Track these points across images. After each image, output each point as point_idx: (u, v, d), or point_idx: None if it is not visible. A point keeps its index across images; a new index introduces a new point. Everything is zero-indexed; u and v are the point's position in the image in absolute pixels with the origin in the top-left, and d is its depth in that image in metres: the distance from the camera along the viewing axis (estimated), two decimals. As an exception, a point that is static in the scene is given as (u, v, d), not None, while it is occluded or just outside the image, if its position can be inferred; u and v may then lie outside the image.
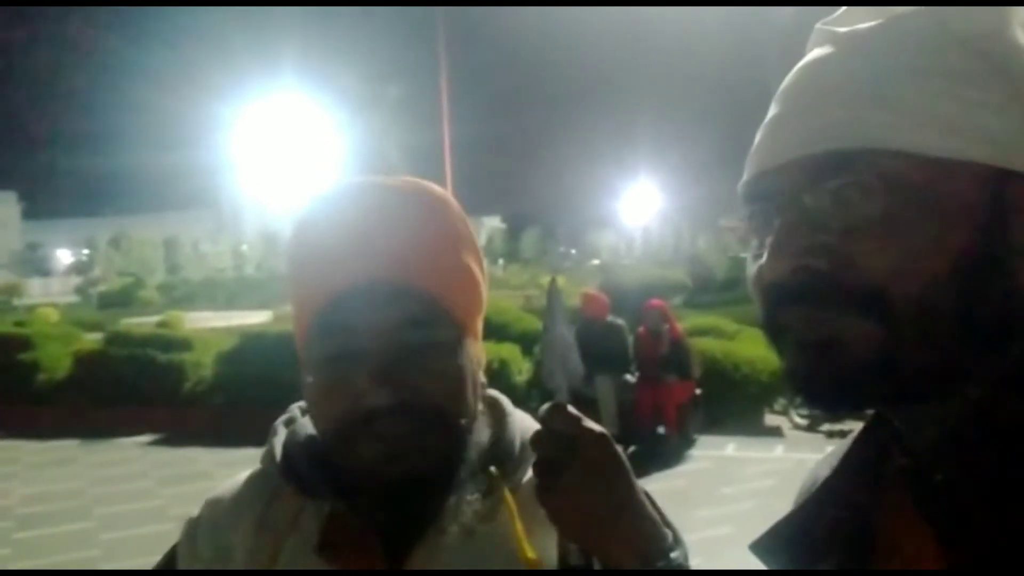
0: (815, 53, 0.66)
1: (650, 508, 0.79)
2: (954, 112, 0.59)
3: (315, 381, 0.83)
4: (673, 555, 0.76)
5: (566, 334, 1.21)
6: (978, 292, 0.58)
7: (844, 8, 0.68)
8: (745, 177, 0.67)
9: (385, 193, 0.85)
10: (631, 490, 0.78)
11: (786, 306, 0.61)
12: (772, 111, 0.67)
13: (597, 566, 0.79)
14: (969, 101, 0.59)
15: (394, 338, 0.81)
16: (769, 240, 0.62)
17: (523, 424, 0.91)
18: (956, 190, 0.58)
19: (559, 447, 0.77)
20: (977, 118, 0.59)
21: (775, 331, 0.64)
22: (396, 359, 0.80)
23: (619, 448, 0.80)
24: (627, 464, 0.79)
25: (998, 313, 0.59)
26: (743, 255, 0.69)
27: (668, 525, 0.81)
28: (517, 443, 0.89)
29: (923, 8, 0.62)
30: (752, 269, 0.65)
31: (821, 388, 0.62)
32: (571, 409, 0.80)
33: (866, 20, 0.64)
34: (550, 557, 0.83)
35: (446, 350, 0.84)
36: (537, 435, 0.80)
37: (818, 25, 0.68)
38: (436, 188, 0.88)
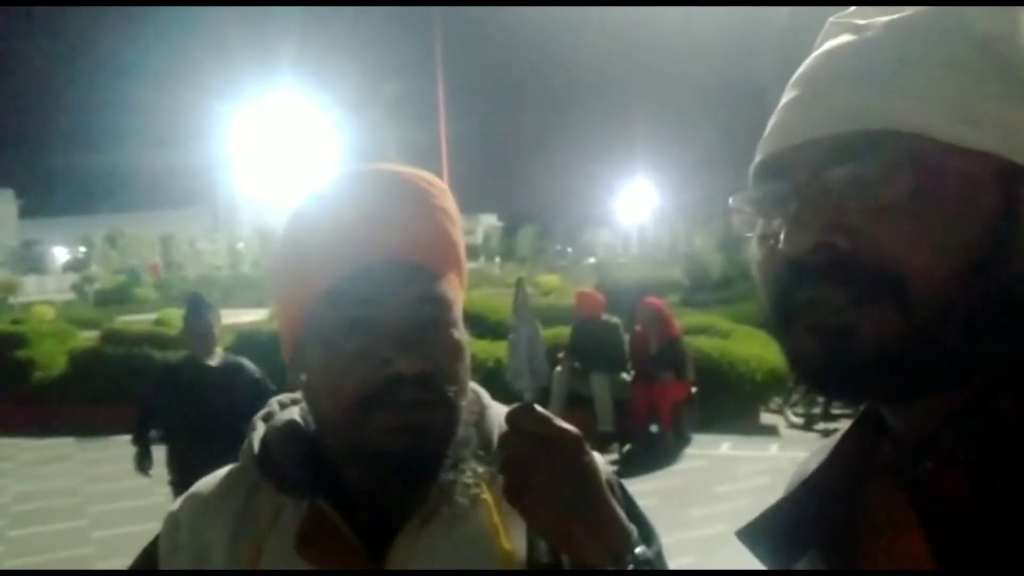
0: (835, 41, 0.66)
1: (615, 503, 0.80)
2: (972, 103, 0.59)
3: (331, 352, 0.83)
4: (638, 550, 0.77)
5: (532, 333, 1.21)
6: (992, 283, 0.58)
7: (856, 7, 0.68)
8: (761, 156, 0.66)
9: (388, 178, 0.87)
10: (601, 487, 0.79)
11: (802, 285, 0.60)
12: (790, 94, 0.66)
13: (566, 563, 0.80)
14: (986, 95, 0.60)
15: (413, 311, 0.83)
16: (789, 215, 0.61)
17: (500, 417, 0.91)
18: (973, 179, 0.58)
19: (529, 447, 0.78)
20: (994, 111, 0.60)
21: (787, 313, 0.62)
22: (417, 330, 0.82)
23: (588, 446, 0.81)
24: (596, 461, 0.81)
25: (1006, 307, 0.58)
26: (748, 236, 0.68)
27: (638, 520, 0.82)
28: (496, 436, 0.89)
29: (942, 7, 0.63)
30: (760, 250, 0.64)
31: (830, 377, 0.62)
32: (540, 409, 0.81)
33: (881, 16, 0.65)
34: (525, 551, 0.84)
35: (453, 327, 0.86)
36: (505, 436, 0.80)
37: (832, 19, 0.69)
38: (431, 175, 0.91)
